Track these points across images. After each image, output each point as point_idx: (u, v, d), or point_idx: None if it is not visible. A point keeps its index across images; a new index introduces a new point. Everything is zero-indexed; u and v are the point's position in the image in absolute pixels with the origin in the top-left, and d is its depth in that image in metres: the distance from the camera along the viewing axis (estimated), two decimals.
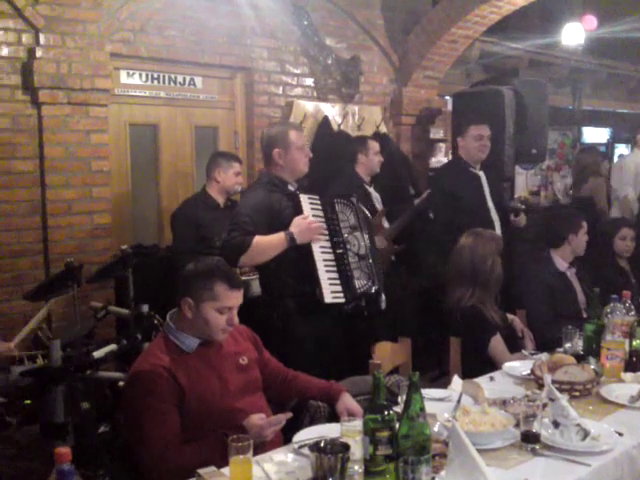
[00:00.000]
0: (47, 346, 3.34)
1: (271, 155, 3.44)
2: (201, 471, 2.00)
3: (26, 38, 4.29)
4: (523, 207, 4.94)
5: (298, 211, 3.36)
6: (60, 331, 3.74)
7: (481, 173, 4.81)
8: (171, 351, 2.42)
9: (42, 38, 4.30)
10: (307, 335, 3.38)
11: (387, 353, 3.29)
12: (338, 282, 3.38)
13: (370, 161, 5.02)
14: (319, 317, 3.40)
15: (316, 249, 3.36)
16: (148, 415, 2.28)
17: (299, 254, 3.33)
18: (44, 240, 4.43)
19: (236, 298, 2.49)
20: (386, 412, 1.95)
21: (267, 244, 3.27)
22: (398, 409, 2.13)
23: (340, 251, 3.43)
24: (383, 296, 3.60)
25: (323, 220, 3.44)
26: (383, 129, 6.19)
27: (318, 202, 3.48)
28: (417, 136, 6.70)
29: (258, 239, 3.24)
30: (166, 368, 2.34)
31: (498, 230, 4.70)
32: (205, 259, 2.58)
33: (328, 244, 3.42)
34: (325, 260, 3.38)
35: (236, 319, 2.50)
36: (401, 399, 2.33)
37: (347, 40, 6.12)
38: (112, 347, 3.46)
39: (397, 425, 1.95)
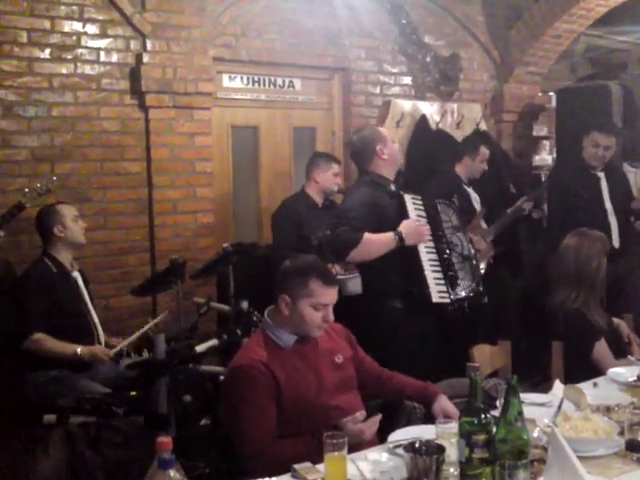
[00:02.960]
0: (152, 340, 3.48)
1: (375, 152, 3.47)
2: (297, 466, 2.04)
3: (134, 44, 4.48)
4: None
5: (402, 211, 3.40)
6: (165, 325, 3.87)
7: (601, 174, 4.74)
8: (269, 347, 2.47)
9: (149, 44, 4.48)
10: (411, 335, 3.40)
11: (486, 356, 3.23)
12: (443, 282, 3.40)
13: (475, 166, 4.98)
14: (423, 317, 3.42)
15: (421, 249, 3.39)
16: (247, 409, 2.34)
17: (405, 254, 3.35)
18: (151, 238, 4.60)
19: (331, 295, 2.51)
20: (483, 415, 1.91)
21: (376, 242, 3.32)
22: (496, 413, 2.09)
23: (446, 252, 3.45)
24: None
25: (427, 221, 3.47)
26: (483, 126, 6.06)
27: (421, 202, 3.52)
28: (519, 133, 6.52)
29: (368, 236, 3.28)
30: (264, 363, 2.38)
31: (615, 233, 4.55)
32: (301, 257, 2.62)
33: (432, 244, 3.44)
34: (430, 260, 3.41)
35: (331, 316, 2.53)
36: (499, 403, 2.28)
37: (446, 37, 6.04)
38: (213, 342, 3.55)
39: (494, 429, 1.91)
